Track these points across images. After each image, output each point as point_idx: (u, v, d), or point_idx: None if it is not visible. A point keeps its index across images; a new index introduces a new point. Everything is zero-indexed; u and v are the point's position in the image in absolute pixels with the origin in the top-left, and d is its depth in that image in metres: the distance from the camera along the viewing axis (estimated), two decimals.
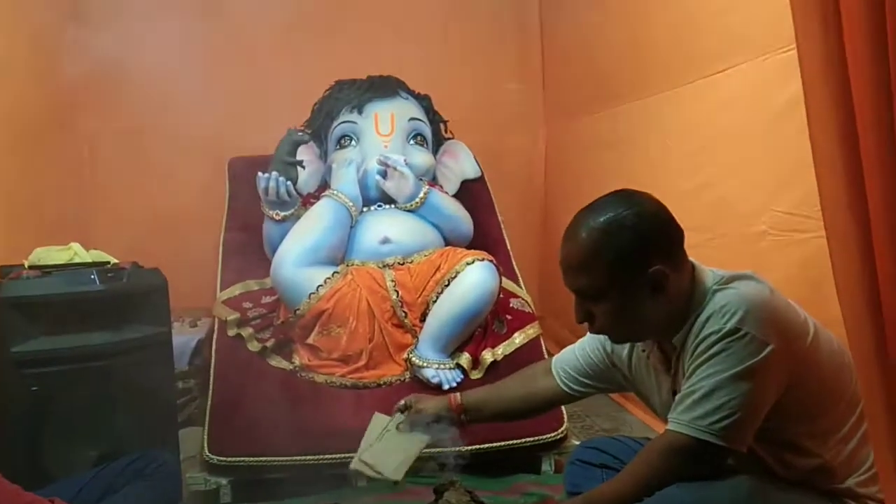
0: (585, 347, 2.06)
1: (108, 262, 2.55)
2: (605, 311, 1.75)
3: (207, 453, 2.74)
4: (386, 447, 2.15)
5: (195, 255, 3.76)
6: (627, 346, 1.95)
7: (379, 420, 2.24)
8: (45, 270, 2.40)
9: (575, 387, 2.07)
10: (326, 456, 2.73)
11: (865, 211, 1.45)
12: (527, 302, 3.39)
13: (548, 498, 2.64)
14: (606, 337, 1.93)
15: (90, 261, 2.53)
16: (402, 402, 2.20)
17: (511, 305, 3.33)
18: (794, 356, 1.65)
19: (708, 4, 2.92)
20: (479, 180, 3.93)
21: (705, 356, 1.67)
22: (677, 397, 1.75)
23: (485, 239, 3.64)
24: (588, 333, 2.00)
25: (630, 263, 1.69)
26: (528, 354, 3.15)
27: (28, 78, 3.59)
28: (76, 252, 2.58)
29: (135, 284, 2.43)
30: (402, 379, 3.07)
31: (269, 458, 2.75)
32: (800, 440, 1.72)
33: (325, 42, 4.23)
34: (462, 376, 3.06)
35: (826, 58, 1.46)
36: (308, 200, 3.52)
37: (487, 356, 3.11)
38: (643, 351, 1.90)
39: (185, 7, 4.24)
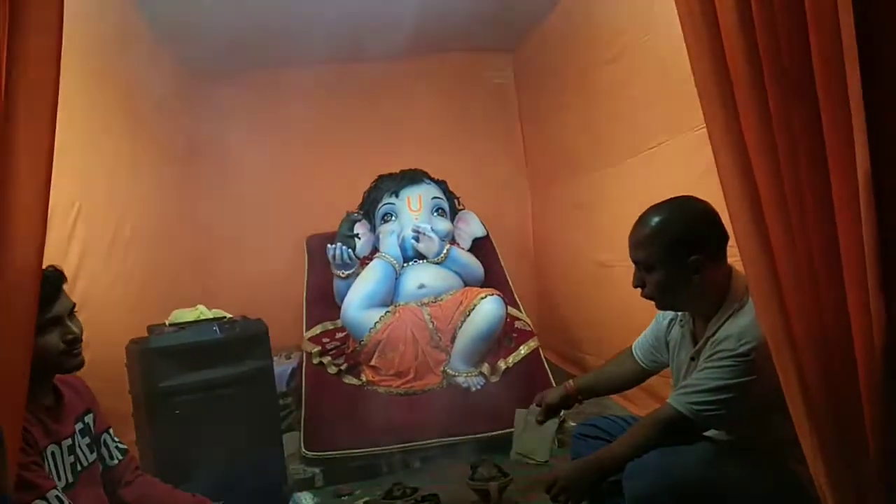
0: (649, 332, 2.07)
1: (225, 317, 2.56)
2: (654, 281, 1.74)
3: (304, 450, 2.73)
4: (531, 436, 2.20)
5: (286, 307, 3.78)
6: (673, 322, 1.94)
7: (519, 414, 2.28)
8: (180, 326, 2.42)
9: (648, 362, 2.06)
10: (391, 447, 2.71)
11: (767, 239, 1.45)
12: (527, 323, 3.37)
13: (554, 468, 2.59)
14: (659, 317, 1.99)
15: (212, 316, 2.55)
16: (537, 397, 2.18)
17: (516, 326, 3.31)
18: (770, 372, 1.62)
19: (641, 96, 2.91)
20: (486, 238, 3.93)
21: (717, 361, 1.67)
22: (684, 382, 1.75)
23: (493, 279, 3.64)
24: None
25: (677, 248, 1.69)
26: (531, 360, 3.14)
27: (156, 183, 3.63)
28: (202, 312, 2.60)
29: (245, 331, 2.44)
30: (441, 386, 3.06)
31: (349, 451, 2.73)
32: (762, 423, 1.70)
33: (368, 147, 4.29)
34: (484, 380, 3.04)
35: (727, 128, 1.48)
36: (364, 262, 3.54)
37: (501, 364, 3.09)
38: (681, 322, 1.89)
39: (271, 129, 4.38)
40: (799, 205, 1.46)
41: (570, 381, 2.20)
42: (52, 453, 1.59)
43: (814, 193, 1.46)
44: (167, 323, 2.49)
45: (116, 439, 1.90)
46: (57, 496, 1.50)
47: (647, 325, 2.15)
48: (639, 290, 1.84)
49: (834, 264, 1.46)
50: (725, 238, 1.74)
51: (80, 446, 1.72)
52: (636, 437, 1.77)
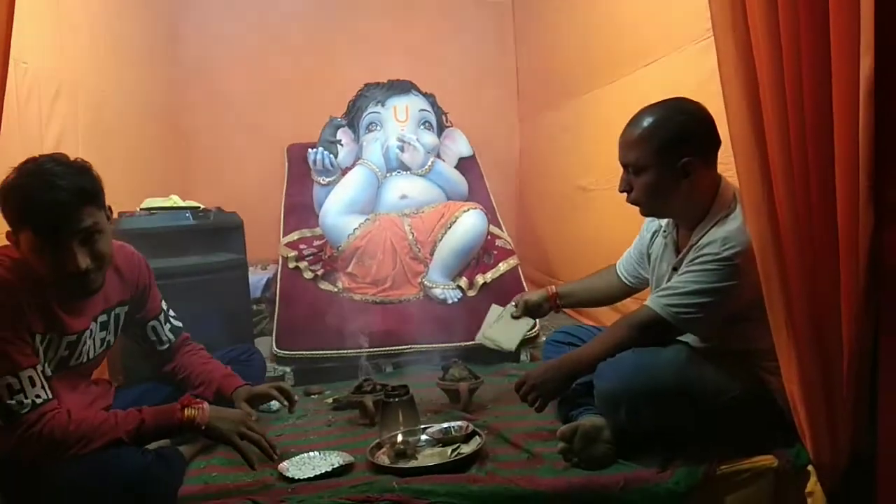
0: (632, 247, 2.05)
1: (200, 207, 2.49)
2: (641, 184, 1.70)
3: (276, 348, 2.70)
4: (502, 327, 2.17)
5: (264, 218, 3.69)
6: (657, 234, 1.90)
7: (494, 309, 2.25)
8: (151, 211, 2.35)
9: (630, 277, 2.05)
10: (362, 350, 2.68)
11: (764, 144, 1.41)
12: (508, 241, 3.32)
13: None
14: (643, 230, 1.97)
15: (186, 206, 2.48)
16: (515, 297, 2.22)
17: (496, 244, 3.26)
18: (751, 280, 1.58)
19: (632, 14, 2.83)
20: (472, 158, 3.84)
21: (699, 265, 1.63)
22: (664, 285, 1.72)
23: (476, 198, 3.54)
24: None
25: (668, 149, 1.64)
26: (510, 278, 3.10)
27: (148, 73, 3.55)
28: (175, 201, 2.52)
29: (219, 221, 2.39)
30: (418, 297, 3.02)
31: (320, 352, 2.70)
32: (738, 331, 1.68)
33: (356, 55, 4.15)
34: (461, 294, 3.01)
35: (733, 24, 1.41)
36: (346, 172, 3.44)
37: (479, 279, 3.05)
38: (664, 233, 1.85)
39: (255, 39, 4.22)
40: (799, 113, 1.42)
41: (552, 286, 2.18)
42: (42, 341, 1.55)
43: (814, 102, 1.42)
44: (139, 209, 2.42)
45: (170, 322, 1.94)
46: (30, 377, 1.46)
47: (622, 251, 2.13)
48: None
49: (828, 175, 1.43)
50: (718, 142, 1.68)
51: (87, 340, 1.68)
52: (610, 338, 1.76)
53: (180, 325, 1.98)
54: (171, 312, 1.97)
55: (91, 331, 1.68)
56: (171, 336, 1.94)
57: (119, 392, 1.89)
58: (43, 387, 1.47)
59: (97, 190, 1.52)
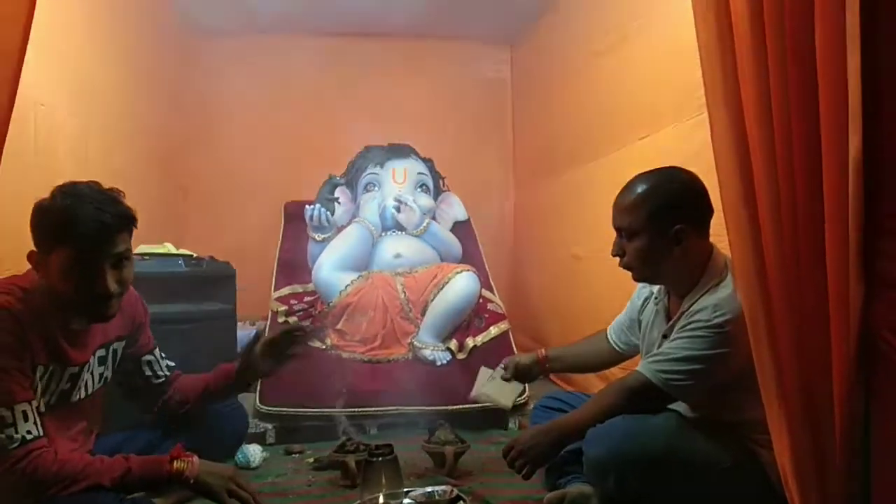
0: (623, 313, 2.04)
1: (192, 255, 2.49)
2: (634, 249, 1.70)
3: (258, 404, 2.64)
4: (496, 386, 2.13)
5: (255, 274, 3.69)
6: (648, 301, 1.90)
7: (484, 371, 2.22)
8: (144, 256, 2.34)
9: (621, 343, 2.03)
10: (346, 410, 2.64)
11: (755, 213, 1.43)
12: (500, 306, 3.32)
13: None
14: (634, 297, 1.97)
15: (179, 253, 2.47)
16: (505, 360, 2.20)
17: (488, 307, 3.25)
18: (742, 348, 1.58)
19: (629, 89, 2.89)
20: (467, 223, 3.89)
21: (690, 332, 1.63)
22: (656, 351, 1.71)
23: (470, 262, 3.56)
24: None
25: (661, 215, 1.65)
26: (500, 343, 3.09)
27: (154, 124, 3.61)
28: (168, 248, 2.52)
29: (211, 270, 2.38)
30: (406, 357, 2.98)
31: (303, 409, 2.65)
32: (728, 400, 1.66)
33: (357, 118, 4.21)
34: (450, 356, 2.97)
35: (725, 97, 1.45)
36: (341, 230, 3.47)
37: (470, 342, 3.03)
38: (656, 300, 1.85)
39: (258, 97, 4.32)
40: (790, 182, 1.45)
41: (542, 350, 2.17)
42: (45, 373, 1.54)
43: (805, 174, 1.45)
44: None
45: (163, 357, 1.93)
46: (24, 411, 1.44)
47: (612, 318, 2.12)
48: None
49: (818, 247, 1.44)
50: (710, 211, 1.71)
51: (86, 373, 1.68)
52: (600, 404, 1.73)
53: (173, 364, 1.96)
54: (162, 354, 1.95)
55: (90, 364, 1.67)
56: (167, 371, 1.91)
57: (98, 439, 1.84)
58: (35, 423, 1.45)
59: (132, 217, 1.57)
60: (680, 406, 1.73)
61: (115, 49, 3.01)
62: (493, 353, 2.97)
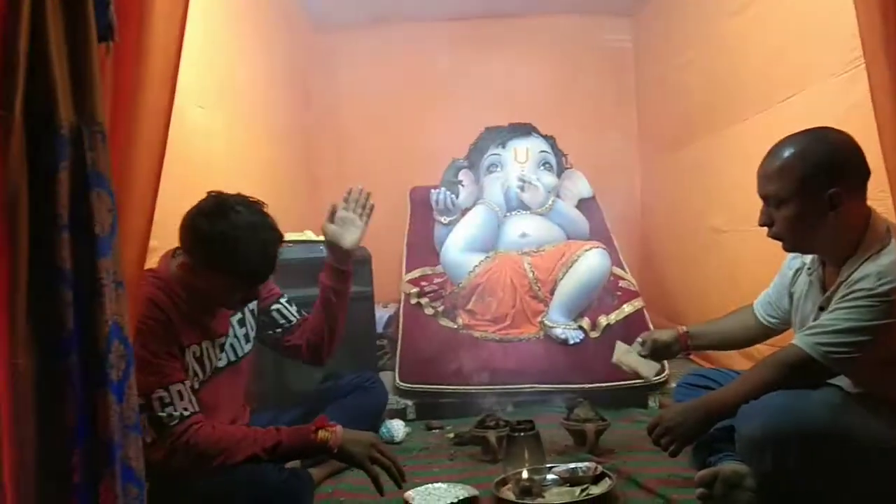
0: (772, 286, 1.93)
1: None
2: (784, 218, 1.60)
3: (398, 381, 2.75)
4: (634, 358, 2.10)
5: (385, 260, 3.79)
6: (800, 272, 1.79)
7: (620, 346, 2.18)
8: (287, 244, 2.48)
9: (768, 317, 1.92)
10: (483, 387, 2.69)
11: None
12: (632, 283, 3.24)
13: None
14: (784, 267, 1.85)
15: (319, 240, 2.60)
16: (643, 335, 2.15)
17: (620, 285, 3.18)
18: None
19: (769, 47, 2.72)
20: (592, 199, 3.82)
21: (851, 302, 1.52)
22: (814, 322, 1.61)
23: (598, 239, 3.50)
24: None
25: (814, 180, 1.54)
26: (634, 321, 3.02)
27: (288, 120, 3.79)
28: (309, 236, 2.66)
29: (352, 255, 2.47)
30: (538, 336, 2.98)
31: (441, 386, 2.73)
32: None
33: (477, 100, 4.23)
34: (583, 335, 2.95)
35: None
36: (466, 212, 3.51)
37: (603, 320, 2.99)
38: (809, 270, 1.74)
39: (381, 86, 4.44)
40: None
41: (682, 327, 2.10)
42: (196, 351, 1.69)
43: None
44: None
45: (291, 304, 2.05)
46: (179, 391, 1.56)
47: (755, 295, 2.02)
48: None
49: None
50: (867, 173, 1.58)
51: (232, 339, 1.82)
52: (753, 379, 1.66)
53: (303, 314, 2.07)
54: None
55: (233, 330, 1.82)
56: (297, 315, 2.03)
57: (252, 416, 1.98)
58: (190, 400, 1.57)
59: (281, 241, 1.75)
60: (842, 381, 1.63)
61: (251, 47, 3.19)
62: (627, 331, 2.91)
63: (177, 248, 1.69)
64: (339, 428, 1.64)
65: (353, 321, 2.43)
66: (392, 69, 4.46)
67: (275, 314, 2.00)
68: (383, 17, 4.38)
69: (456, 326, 3.05)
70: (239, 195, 1.68)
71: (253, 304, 1.91)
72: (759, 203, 1.68)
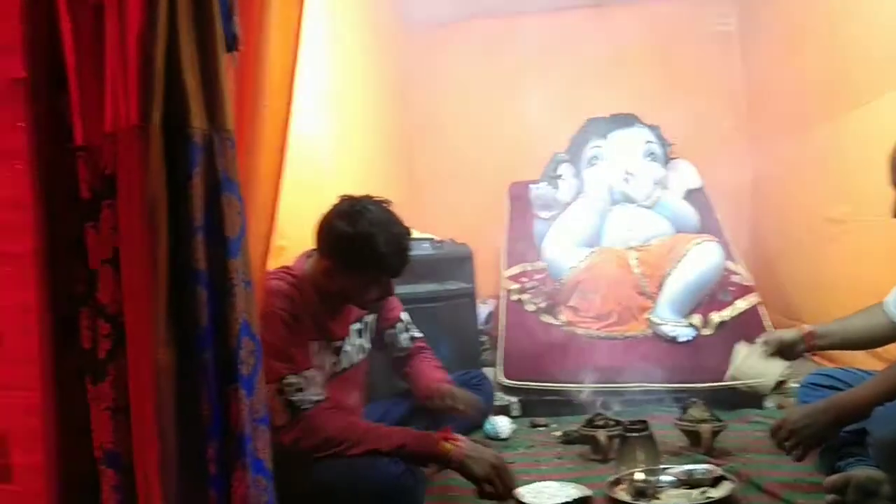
0: None
1: (434, 238, 2.64)
2: None
3: (502, 378, 2.74)
4: (755, 364, 2.03)
5: (483, 254, 3.80)
6: None
7: (740, 348, 2.09)
8: None
9: None
10: (590, 385, 2.64)
11: None
12: (746, 278, 3.09)
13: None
14: None
15: (423, 237, 2.64)
16: (764, 335, 2.07)
17: (732, 280, 3.04)
18: None
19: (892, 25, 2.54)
20: (700, 190, 3.67)
21: None
22: None
23: (707, 232, 3.37)
24: None
25: None
26: (750, 318, 2.88)
27: (387, 117, 3.91)
28: (412, 233, 2.70)
29: (452, 251, 2.51)
30: (645, 333, 2.90)
31: (548, 383, 2.69)
32: None
33: (576, 91, 4.17)
34: (695, 332, 2.84)
35: None
36: (567, 207, 3.46)
37: (715, 317, 2.87)
38: None
39: (478, 82, 4.46)
40: None
41: (805, 325, 1.99)
42: (314, 348, 1.76)
43: None
44: None
45: (408, 332, 2.10)
46: (310, 377, 1.64)
47: (885, 291, 1.87)
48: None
49: None
50: None
51: (348, 345, 1.88)
52: (888, 380, 1.55)
53: (419, 334, 2.12)
54: (411, 323, 2.12)
55: (349, 337, 1.88)
56: (407, 344, 2.09)
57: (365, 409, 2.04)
58: (321, 387, 1.65)
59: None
60: None
61: (349, 48, 3.27)
62: (742, 329, 2.79)
63: (312, 249, 1.79)
64: (463, 442, 1.64)
65: (456, 319, 2.48)
66: (488, 64, 4.46)
67: (389, 339, 2.08)
68: (478, 13, 4.39)
69: (558, 323, 3.01)
70: (367, 196, 1.77)
71: (372, 318, 1.97)
72: (887, 191, 1.57)
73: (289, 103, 1.38)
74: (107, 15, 1.00)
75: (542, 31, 4.39)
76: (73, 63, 1.02)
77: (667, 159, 3.68)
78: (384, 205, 1.76)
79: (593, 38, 4.41)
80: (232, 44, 1.13)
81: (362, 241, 1.66)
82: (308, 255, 1.81)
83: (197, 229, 1.05)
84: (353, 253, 1.68)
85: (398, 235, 1.71)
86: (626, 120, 3.64)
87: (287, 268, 1.78)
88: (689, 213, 3.40)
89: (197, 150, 1.04)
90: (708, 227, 3.44)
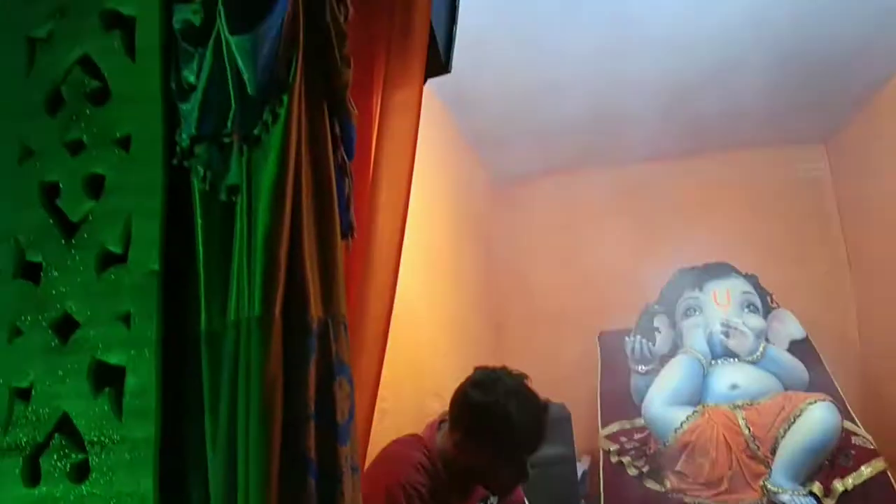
0: None
1: None
2: None
3: None
4: None
5: (573, 408, 3.69)
6: None
7: None
8: None
9: None
10: None
11: None
12: (868, 439, 2.85)
13: None
14: None
15: None
16: None
17: (853, 442, 2.82)
18: None
19: None
20: (805, 341, 3.50)
21: None
22: None
23: (818, 388, 3.17)
24: None
25: None
26: (877, 486, 2.64)
27: (466, 266, 3.94)
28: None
29: (549, 413, 2.40)
30: (760, 503, 2.67)
31: None
32: None
33: (664, 239, 4.15)
34: (816, 502, 2.59)
35: None
36: (664, 360, 3.34)
37: (838, 485, 2.63)
38: None
39: (562, 229, 4.53)
40: None
41: None
42: None
43: None
44: None
45: None
46: None
47: None
48: None
49: None
50: None
51: None
52: None
53: None
54: None
55: None
56: None
57: None
58: None
59: None
60: None
61: (433, 201, 3.38)
62: (869, 498, 2.54)
63: (441, 419, 1.72)
64: None
65: (555, 486, 2.33)
66: (573, 213, 4.54)
67: None
68: (560, 166, 4.52)
69: (664, 490, 2.83)
70: (503, 367, 1.72)
71: (494, 500, 1.89)
72: None
73: (394, 279, 1.42)
74: (236, 214, 1.07)
75: (627, 180, 4.48)
76: (203, 256, 1.08)
77: (767, 309, 3.55)
78: (520, 378, 1.69)
79: (680, 186, 4.45)
80: (347, 232, 1.19)
81: (496, 410, 1.58)
82: (437, 425, 1.72)
83: (309, 416, 1.05)
84: (486, 423, 1.60)
85: (534, 408, 1.63)
86: (721, 269, 3.57)
87: (418, 437, 1.69)
88: (798, 368, 3.22)
89: (313, 339, 1.06)
90: (818, 381, 3.23)
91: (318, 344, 1.07)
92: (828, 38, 3.04)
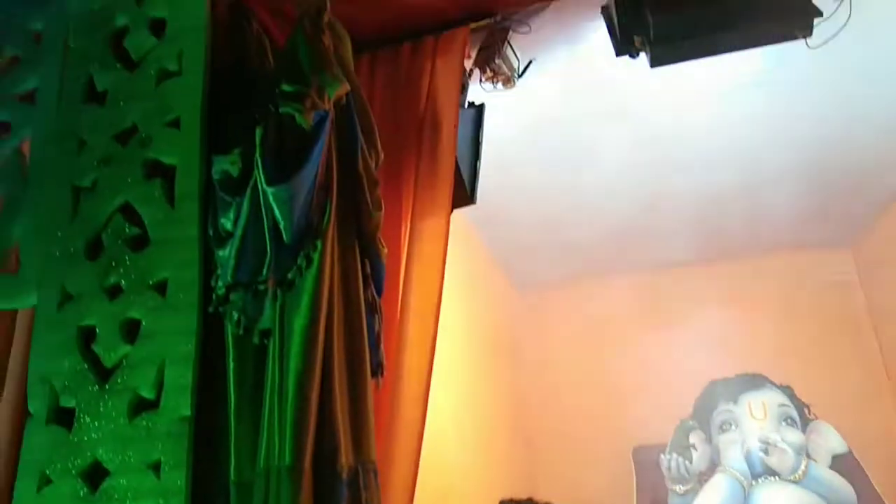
0: None
1: None
2: None
3: None
4: None
5: None
6: None
7: None
8: None
9: None
10: None
11: None
12: None
13: None
14: None
15: None
16: None
17: None
18: None
19: None
20: (848, 455, 3.35)
21: None
22: None
23: None
24: None
25: None
26: None
27: (496, 377, 3.87)
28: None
29: None
30: None
31: None
32: None
33: (695, 349, 4.07)
34: None
35: None
36: (702, 477, 3.21)
37: None
38: None
39: (592, 337, 4.46)
40: None
41: None
42: None
43: None
44: None
45: None
46: None
47: None
48: None
49: None
50: None
51: None
52: None
53: None
54: None
55: None
56: None
57: None
58: None
59: None
60: None
61: (457, 314, 3.37)
62: None
63: None
64: None
65: None
66: (601, 323, 4.47)
67: None
68: (583, 272, 4.50)
69: None
70: (530, 498, 1.77)
71: None
72: None
73: (423, 413, 1.40)
74: (268, 357, 1.08)
75: (654, 287, 4.43)
76: (235, 402, 1.08)
77: (805, 422, 3.42)
78: None
79: (707, 294, 4.39)
80: (377, 371, 1.19)
81: None
82: None
83: None
84: None
85: None
86: (755, 381, 3.48)
87: None
88: (844, 487, 3.07)
89: (343, 487, 1.04)
90: (867, 499, 3.06)
91: (348, 493, 1.05)
92: (850, 149, 3.10)
